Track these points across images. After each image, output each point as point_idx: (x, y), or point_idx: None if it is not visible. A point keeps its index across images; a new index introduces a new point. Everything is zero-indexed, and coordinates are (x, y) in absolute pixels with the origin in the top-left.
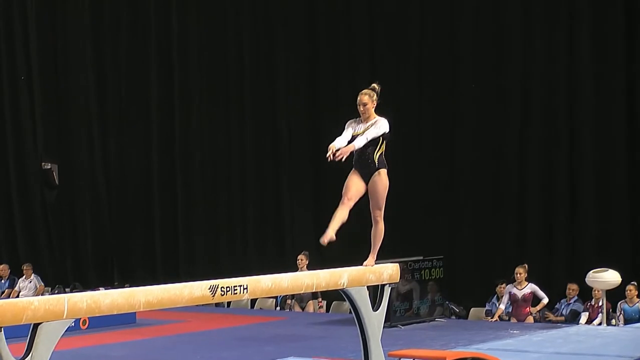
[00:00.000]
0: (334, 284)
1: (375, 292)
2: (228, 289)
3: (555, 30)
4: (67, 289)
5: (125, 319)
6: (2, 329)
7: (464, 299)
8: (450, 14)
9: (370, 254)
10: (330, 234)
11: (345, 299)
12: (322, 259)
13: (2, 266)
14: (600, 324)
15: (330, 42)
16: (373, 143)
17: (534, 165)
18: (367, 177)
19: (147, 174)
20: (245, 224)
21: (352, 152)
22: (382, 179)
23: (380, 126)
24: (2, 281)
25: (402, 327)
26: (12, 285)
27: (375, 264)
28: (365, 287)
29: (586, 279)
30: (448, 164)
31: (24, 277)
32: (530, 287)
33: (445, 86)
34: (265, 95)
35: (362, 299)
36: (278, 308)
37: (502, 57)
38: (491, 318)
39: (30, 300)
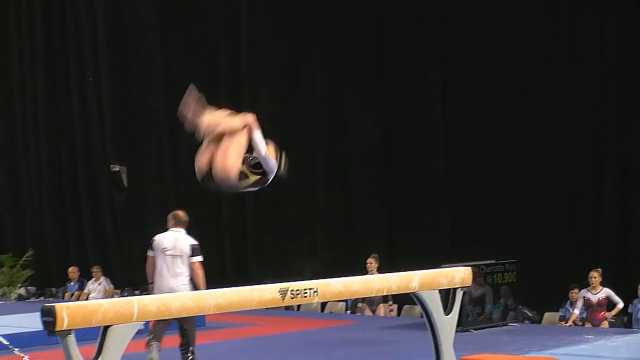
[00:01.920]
0: (404, 287)
1: (447, 296)
2: (298, 292)
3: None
4: (136, 292)
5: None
6: (73, 331)
7: (538, 303)
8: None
9: None
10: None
11: (417, 302)
12: (393, 262)
13: (71, 268)
14: None
15: (398, 41)
16: None
17: (609, 166)
18: None
19: None
20: (315, 227)
21: None
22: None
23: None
24: (72, 283)
25: (475, 332)
26: (81, 288)
27: (446, 267)
28: (437, 290)
29: None
30: (521, 167)
31: (93, 279)
32: (604, 292)
33: (516, 84)
34: (335, 94)
35: (434, 303)
36: (349, 312)
37: (574, 53)
38: (565, 323)
39: (100, 303)
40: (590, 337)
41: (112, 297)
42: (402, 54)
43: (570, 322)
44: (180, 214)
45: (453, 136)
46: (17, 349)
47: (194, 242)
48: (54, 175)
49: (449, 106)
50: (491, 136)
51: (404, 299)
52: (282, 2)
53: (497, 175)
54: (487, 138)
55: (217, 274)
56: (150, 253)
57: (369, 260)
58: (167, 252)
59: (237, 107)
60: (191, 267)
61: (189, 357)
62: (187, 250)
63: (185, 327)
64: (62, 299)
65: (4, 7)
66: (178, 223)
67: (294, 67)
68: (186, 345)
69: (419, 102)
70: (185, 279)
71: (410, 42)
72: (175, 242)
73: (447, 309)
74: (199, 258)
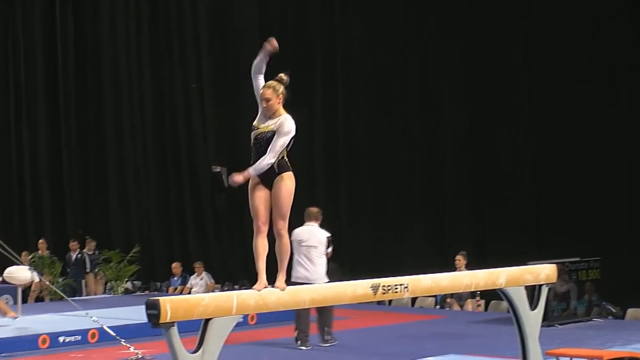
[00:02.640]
0: (492, 283)
1: (532, 292)
2: (389, 287)
3: None
4: (235, 286)
5: (291, 316)
6: (176, 323)
7: (621, 299)
8: None
9: (279, 274)
10: (265, 283)
11: (503, 298)
12: (480, 259)
13: (175, 264)
14: None
15: (491, 48)
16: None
17: None
18: (268, 184)
19: (311, 172)
20: (406, 225)
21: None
22: (285, 184)
23: (286, 131)
24: (175, 278)
25: (560, 327)
26: (184, 282)
27: (532, 264)
28: (523, 287)
29: None
30: (605, 166)
31: (195, 274)
32: None
33: (601, 82)
34: (426, 95)
35: (520, 299)
36: (438, 306)
37: None
38: None
39: (201, 297)
40: None
41: (212, 291)
42: (493, 55)
43: None
44: (313, 210)
45: (540, 136)
46: (123, 340)
47: (328, 234)
48: (160, 176)
49: (535, 106)
50: (576, 135)
51: (491, 295)
52: (377, 3)
53: (582, 174)
54: (572, 137)
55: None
56: None
57: (457, 257)
58: (303, 244)
59: (331, 104)
60: (328, 257)
61: (327, 337)
62: (323, 241)
63: (324, 312)
64: (166, 293)
65: (112, 19)
66: (311, 218)
67: (388, 64)
68: (323, 327)
69: (508, 102)
70: (319, 268)
71: (499, 46)
72: (310, 234)
73: (533, 305)
74: (331, 248)
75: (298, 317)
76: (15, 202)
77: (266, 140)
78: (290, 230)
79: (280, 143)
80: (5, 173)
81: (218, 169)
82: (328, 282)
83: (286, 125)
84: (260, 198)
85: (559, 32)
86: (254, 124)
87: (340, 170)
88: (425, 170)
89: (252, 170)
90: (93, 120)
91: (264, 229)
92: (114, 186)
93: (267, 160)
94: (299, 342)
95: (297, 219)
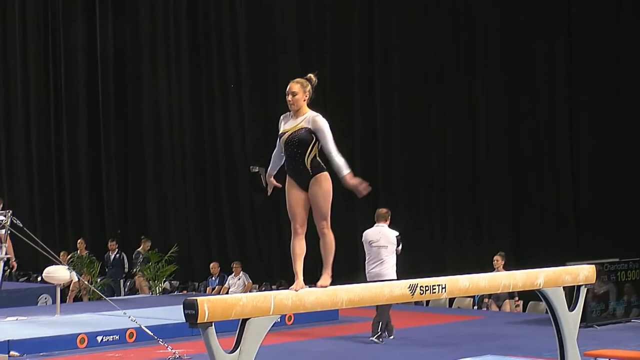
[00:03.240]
0: (530, 284)
1: (571, 293)
2: (427, 288)
3: None
4: (273, 287)
5: (328, 316)
6: (213, 323)
7: None
8: None
9: (324, 272)
10: (302, 284)
11: (542, 299)
12: (518, 259)
13: (213, 264)
14: None
15: (529, 46)
16: (302, 146)
17: None
18: (304, 185)
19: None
20: (444, 225)
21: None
22: (321, 186)
23: (324, 127)
24: (213, 278)
25: (598, 328)
26: (222, 282)
27: (570, 265)
28: (561, 287)
29: None
30: None
31: (233, 274)
32: None
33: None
34: (465, 96)
35: (558, 300)
36: (475, 307)
37: None
38: None
39: (239, 297)
40: None
41: (250, 291)
42: (531, 53)
43: None
44: (382, 211)
45: (579, 136)
46: (161, 340)
47: (397, 233)
48: (197, 176)
49: (575, 107)
50: (615, 134)
51: (529, 295)
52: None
53: (622, 174)
54: (611, 138)
55: (351, 270)
56: None
57: (496, 257)
58: (373, 244)
59: (369, 105)
60: (398, 254)
61: (378, 332)
62: (393, 240)
63: (380, 306)
64: (204, 293)
65: (152, 22)
66: (380, 219)
67: (425, 65)
68: (377, 322)
69: (546, 103)
70: (388, 265)
71: (538, 43)
72: (380, 235)
73: (572, 306)
74: (400, 246)
75: (381, 310)
76: (55, 202)
77: (298, 138)
78: (362, 230)
79: (329, 138)
80: (45, 173)
81: (256, 169)
82: (396, 279)
83: (320, 121)
84: (297, 200)
85: (601, 23)
86: (280, 132)
87: (377, 170)
88: (463, 171)
89: (347, 171)
90: (131, 121)
91: (302, 231)
92: (152, 186)
93: (338, 158)
94: (386, 332)
95: (340, 217)
